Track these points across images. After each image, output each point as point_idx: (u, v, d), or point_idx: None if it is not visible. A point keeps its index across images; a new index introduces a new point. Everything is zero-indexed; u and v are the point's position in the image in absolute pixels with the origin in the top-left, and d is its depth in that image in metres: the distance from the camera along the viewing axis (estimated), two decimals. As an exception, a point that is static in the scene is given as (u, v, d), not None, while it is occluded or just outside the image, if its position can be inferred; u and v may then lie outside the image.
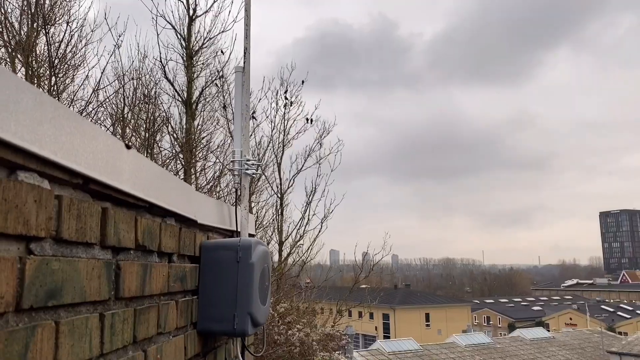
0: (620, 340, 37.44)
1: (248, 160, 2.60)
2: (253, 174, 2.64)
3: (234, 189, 2.85)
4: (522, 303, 77.54)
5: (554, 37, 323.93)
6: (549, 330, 44.68)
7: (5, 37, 8.28)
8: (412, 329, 49.71)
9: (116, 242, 1.21)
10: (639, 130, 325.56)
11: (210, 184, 11.10)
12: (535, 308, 71.85)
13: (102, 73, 6.96)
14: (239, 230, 2.54)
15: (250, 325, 1.92)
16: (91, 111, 6.86)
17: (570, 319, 58.49)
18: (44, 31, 7.96)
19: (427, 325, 54.68)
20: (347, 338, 14.56)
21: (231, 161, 2.64)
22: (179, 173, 9.50)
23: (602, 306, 65.38)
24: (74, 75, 9.00)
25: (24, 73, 7.86)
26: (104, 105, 9.87)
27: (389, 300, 51.03)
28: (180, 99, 12.25)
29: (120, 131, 10.55)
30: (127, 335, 1.26)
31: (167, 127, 10.88)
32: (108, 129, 9.88)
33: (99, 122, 9.58)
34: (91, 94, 6.24)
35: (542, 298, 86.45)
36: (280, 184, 14.84)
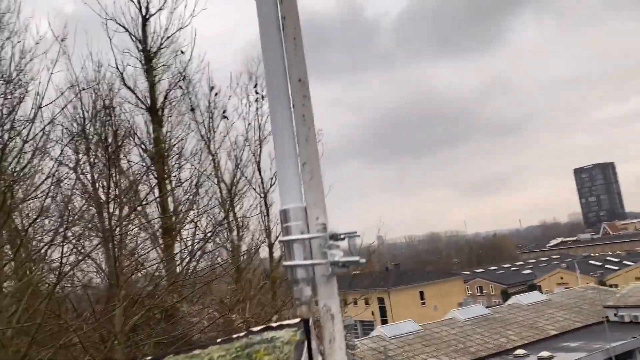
0: (614, 294, 37.73)
1: (335, 236, 1.23)
2: (355, 267, 1.25)
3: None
4: (512, 268, 78.33)
5: (517, 1, 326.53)
6: (541, 292, 44.97)
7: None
8: (409, 309, 49.54)
9: None
10: (604, 84, 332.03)
11: (189, 193, 10.24)
12: (525, 272, 72.59)
13: (46, 85, 6.03)
14: None
15: None
16: (40, 132, 5.94)
17: (561, 278, 59.14)
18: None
19: (423, 303, 54.62)
20: (353, 326, 13.90)
21: (282, 242, 1.29)
22: (153, 188, 8.63)
23: (590, 262, 66.30)
24: (22, 95, 8.02)
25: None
26: (60, 122, 8.92)
27: (382, 283, 50.77)
28: (144, 106, 11.32)
29: (83, 148, 9.62)
30: None
31: (133, 138, 9.99)
32: (66, 146, 8.91)
33: (55, 140, 8.62)
34: (36, 111, 5.34)
35: (530, 261, 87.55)
36: (262, 184, 14.02)
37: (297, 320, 1.20)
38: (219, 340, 1.33)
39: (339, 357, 1.21)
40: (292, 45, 1.29)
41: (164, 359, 1.30)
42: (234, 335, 1.30)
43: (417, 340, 29.76)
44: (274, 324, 1.23)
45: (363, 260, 1.13)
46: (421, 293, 55.51)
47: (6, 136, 5.79)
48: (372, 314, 51.93)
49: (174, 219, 8.89)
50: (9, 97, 7.92)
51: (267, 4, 1.33)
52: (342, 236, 1.21)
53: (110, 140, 8.31)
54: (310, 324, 1.20)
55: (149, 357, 1.34)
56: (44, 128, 6.02)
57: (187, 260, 7.19)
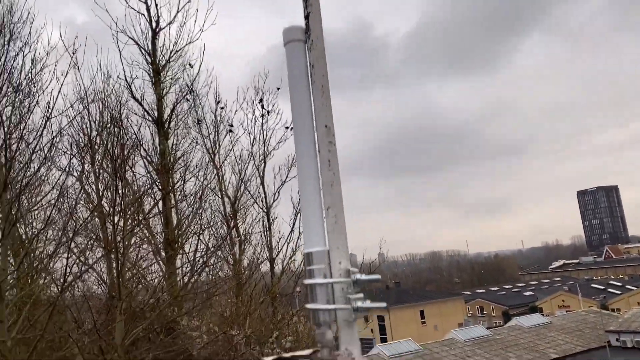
0: (616, 318, 37.39)
1: (358, 281, 1.29)
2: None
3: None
4: (513, 289, 77.78)
5: (524, 23, 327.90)
6: (543, 315, 44.57)
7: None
8: (408, 327, 49.17)
9: None
10: (608, 109, 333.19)
11: (193, 207, 10.25)
12: (526, 293, 72.03)
13: (56, 96, 6.08)
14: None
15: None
16: (49, 142, 5.98)
17: (563, 300, 58.66)
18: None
19: (423, 322, 54.18)
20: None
21: (305, 285, 1.29)
22: (158, 201, 8.64)
23: (592, 285, 65.80)
24: (31, 105, 8.08)
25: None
26: (67, 132, 8.99)
27: (382, 301, 50.21)
28: (150, 119, 11.38)
29: (89, 159, 9.65)
30: None
31: (140, 150, 10.02)
32: (74, 156, 8.96)
33: (62, 150, 8.68)
34: (45, 122, 5.38)
35: (532, 282, 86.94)
36: (266, 198, 13.98)
37: (309, 351, 1.21)
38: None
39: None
40: (320, 92, 1.31)
41: None
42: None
43: (416, 359, 29.47)
44: (286, 355, 1.23)
45: (384, 305, 1.15)
46: (421, 312, 55.12)
47: (15, 146, 5.82)
48: (372, 331, 51.54)
49: (177, 232, 8.90)
50: (19, 106, 8.00)
51: (296, 51, 1.36)
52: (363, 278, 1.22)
53: (116, 151, 8.35)
54: None
55: None
56: (52, 139, 6.06)
57: (189, 273, 7.18)
